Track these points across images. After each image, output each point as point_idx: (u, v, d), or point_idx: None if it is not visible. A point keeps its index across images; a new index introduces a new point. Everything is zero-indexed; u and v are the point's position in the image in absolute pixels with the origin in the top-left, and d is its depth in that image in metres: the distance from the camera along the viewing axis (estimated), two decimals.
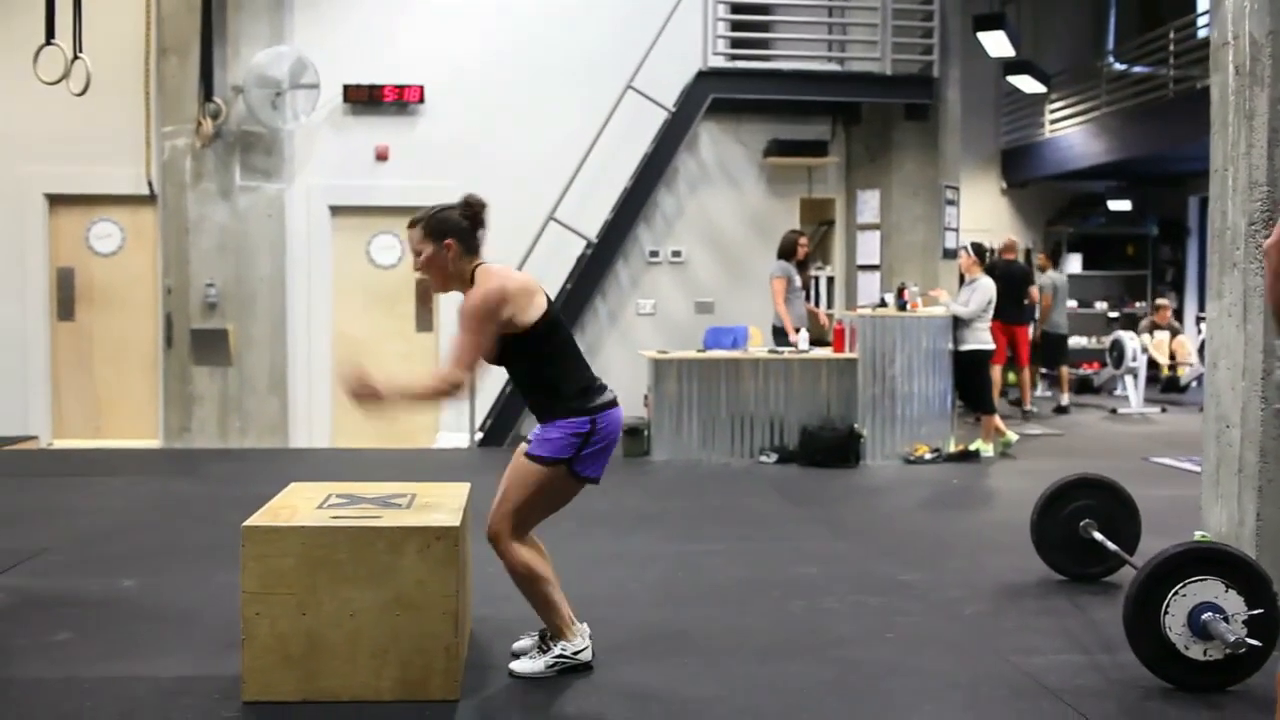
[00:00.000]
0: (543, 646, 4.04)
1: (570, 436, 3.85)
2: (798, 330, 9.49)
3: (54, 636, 4.39)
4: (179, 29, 10.12)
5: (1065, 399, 12.86)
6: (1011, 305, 11.90)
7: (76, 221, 10.74)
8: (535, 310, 3.84)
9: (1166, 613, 3.78)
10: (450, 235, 3.88)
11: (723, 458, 9.16)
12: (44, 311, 10.69)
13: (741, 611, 4.85)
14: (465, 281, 3.88)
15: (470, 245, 3.92)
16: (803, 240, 10.02)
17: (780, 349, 9.49)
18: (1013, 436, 9.65)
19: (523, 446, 3.95)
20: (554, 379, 3.90)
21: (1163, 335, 13.85)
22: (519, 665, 4.01)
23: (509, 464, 3.98)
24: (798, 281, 9.89)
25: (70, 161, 10.44)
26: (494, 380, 10.01)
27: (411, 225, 3.94)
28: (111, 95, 9.84)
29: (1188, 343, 14.19)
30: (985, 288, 9.35)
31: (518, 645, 4.14)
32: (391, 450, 10.01)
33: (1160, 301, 14.52)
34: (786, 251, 9.87)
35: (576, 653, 4.02)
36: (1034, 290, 12.37)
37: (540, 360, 3.90)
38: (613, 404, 3.97)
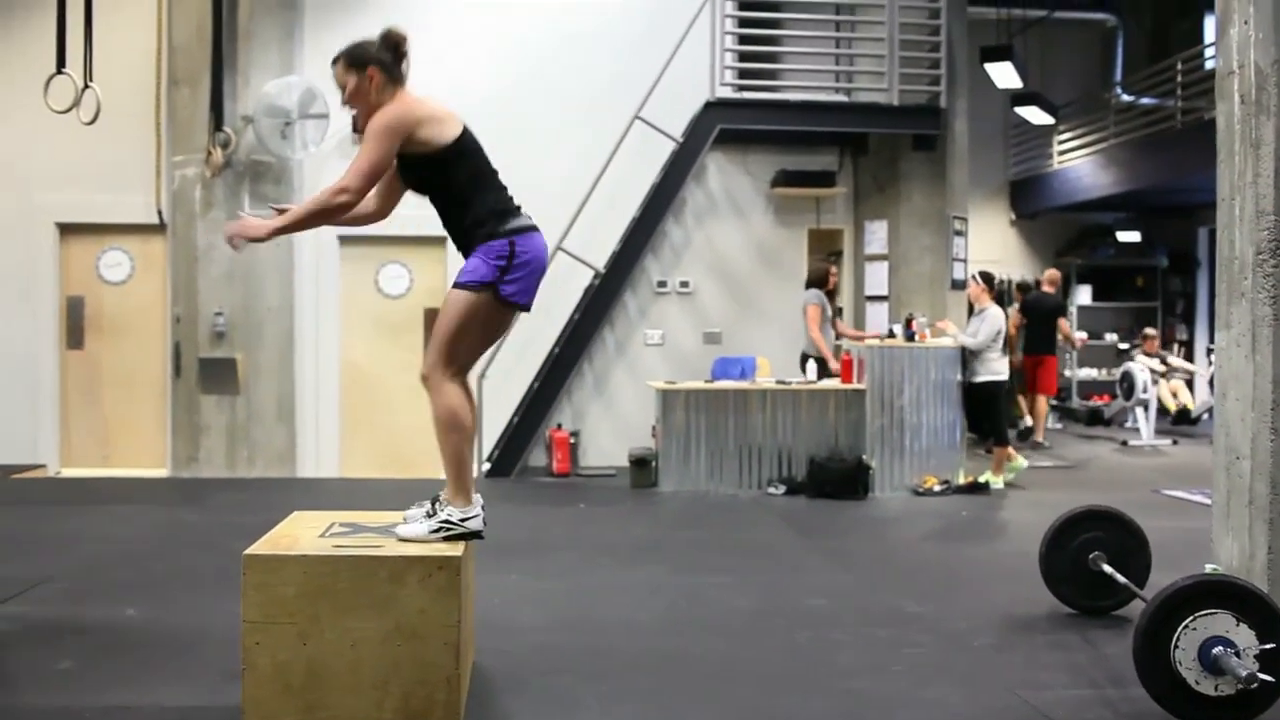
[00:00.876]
0: (430, 511, 3.96)
1: (492, 260, 3.92)
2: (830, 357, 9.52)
3: (56, 665, 4.37)
4: (190, 59, 10.19)
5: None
6: (1038, 336, 11.88)
7: (87, 250, 10.80)
8: (449, 132, 3.96)
9: (1176, 647, 3.73)
10: (371, 63, 4.02)
11: (730, 489, 9.12)
12: (53, 340, 10.73)
13: (748, 642, 4.82)
14: None
15: (394, 75, 4.06)
16: (833, 269, 10.05)
17: (806, 379, 9.43)
18: (1022, 462, 9.62)
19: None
20: (468, 201, 3.98)
21: (1151, 361, 13.73)
22: (403, 529, 3.90)
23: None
24: (829, 310, 9.90)
25: (81, 191, 10.51)
26: (502, 410, 10.06)
27: (334, 62, 4.06)
28: (122, 125, 9.91)
29: (1183, 385, 14.08)
30: (994, 318, 9.33)
31: (407, 513, 4.02)
32: (399, 480, 9.99)
33: (1148, 331, 14.35)
34: (818, 280, 9.87)
35: (465, 519, 3.92)
36: (1064, 323, 12.32)
37: (454, 182, 3.99)
38: (532, 228, 4.03)
